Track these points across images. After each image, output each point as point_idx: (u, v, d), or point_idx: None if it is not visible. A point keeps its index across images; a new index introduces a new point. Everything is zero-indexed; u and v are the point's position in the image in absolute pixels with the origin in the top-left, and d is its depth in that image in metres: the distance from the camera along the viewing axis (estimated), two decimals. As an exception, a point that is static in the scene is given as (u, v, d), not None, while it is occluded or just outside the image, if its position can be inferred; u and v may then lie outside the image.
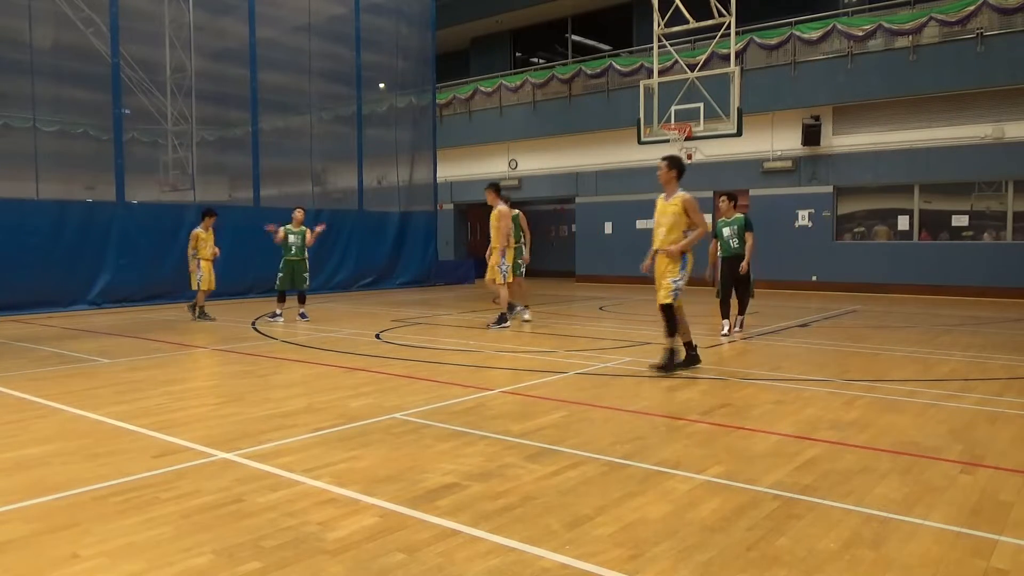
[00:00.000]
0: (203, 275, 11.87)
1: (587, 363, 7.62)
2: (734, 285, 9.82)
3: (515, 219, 11.09)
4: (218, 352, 8.88)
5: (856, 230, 18.06)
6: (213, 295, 12.58)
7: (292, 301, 12.04)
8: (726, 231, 9.80)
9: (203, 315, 12.15)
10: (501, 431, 4.93)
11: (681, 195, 6.93)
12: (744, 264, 9.62)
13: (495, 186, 10.97)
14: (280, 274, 11.60)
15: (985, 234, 16.38)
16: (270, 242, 11.72)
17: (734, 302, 9.88)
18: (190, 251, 11.98)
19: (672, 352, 7.06)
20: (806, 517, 3.38)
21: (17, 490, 3.84)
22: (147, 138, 16.66)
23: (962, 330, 10.52)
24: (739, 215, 9.86)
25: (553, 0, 23.06)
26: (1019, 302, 14.99)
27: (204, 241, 11.85)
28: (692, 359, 7.22)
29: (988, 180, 16.24)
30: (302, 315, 11.85)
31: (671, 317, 6.96)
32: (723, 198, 10.01)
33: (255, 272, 15.70)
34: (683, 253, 6.89)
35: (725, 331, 9.65)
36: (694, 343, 7.30)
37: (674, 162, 7.06)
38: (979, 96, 16.01)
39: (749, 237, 9.73)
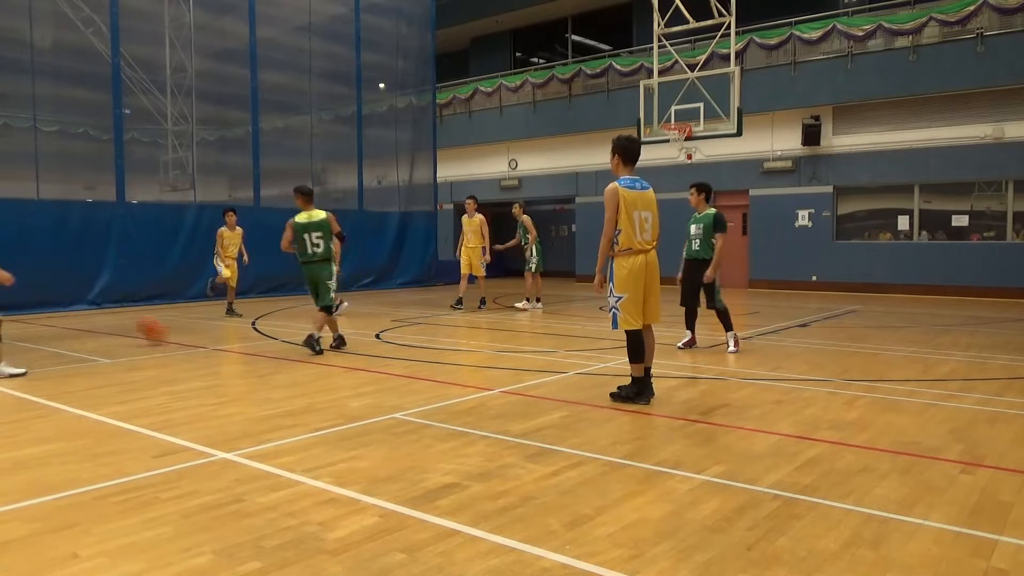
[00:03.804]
0: (229, 272, 12.51)
1: (587, 363, 7.62)
2: (694, 293, 8.33)
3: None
4: (218, 352, 8.88)
5: (855, 231, 18.05)
6: (217, 295, 12.81)
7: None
8: (692, 228, 8.30)
9: (232, 311, 12.60)
10: (501, 431, 4.93)
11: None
12: (709, 271, 8.03)
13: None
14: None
15: (985, 234, 16.38)
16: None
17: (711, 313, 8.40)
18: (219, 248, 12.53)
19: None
20: (806, 517, 3.38)
21: (17, 490, 3.84)
22: (147, 138, 16.67)
23: (962, 330, 10.51)
24: (710, 211, 8.22)
25: (553, 0, 23.06)
26: (1019, 302, 14.99)
27: (230, 239, 12.47)
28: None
29: (988, 180, 16.24)
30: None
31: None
32: (692, 189, 8.36)
33: (255, 271, 15.71)
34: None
35: (682, 343, 8.51)
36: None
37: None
38: (979, 96, 16.01)
39: (719, 239, 8.06)
